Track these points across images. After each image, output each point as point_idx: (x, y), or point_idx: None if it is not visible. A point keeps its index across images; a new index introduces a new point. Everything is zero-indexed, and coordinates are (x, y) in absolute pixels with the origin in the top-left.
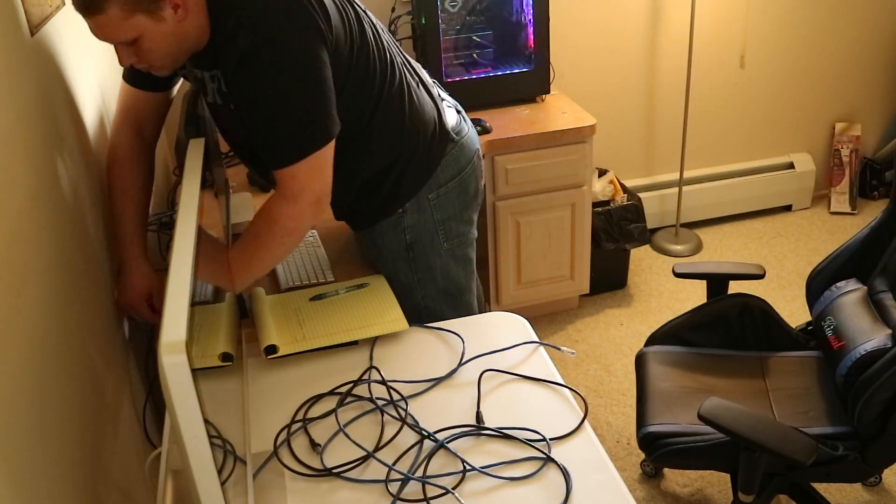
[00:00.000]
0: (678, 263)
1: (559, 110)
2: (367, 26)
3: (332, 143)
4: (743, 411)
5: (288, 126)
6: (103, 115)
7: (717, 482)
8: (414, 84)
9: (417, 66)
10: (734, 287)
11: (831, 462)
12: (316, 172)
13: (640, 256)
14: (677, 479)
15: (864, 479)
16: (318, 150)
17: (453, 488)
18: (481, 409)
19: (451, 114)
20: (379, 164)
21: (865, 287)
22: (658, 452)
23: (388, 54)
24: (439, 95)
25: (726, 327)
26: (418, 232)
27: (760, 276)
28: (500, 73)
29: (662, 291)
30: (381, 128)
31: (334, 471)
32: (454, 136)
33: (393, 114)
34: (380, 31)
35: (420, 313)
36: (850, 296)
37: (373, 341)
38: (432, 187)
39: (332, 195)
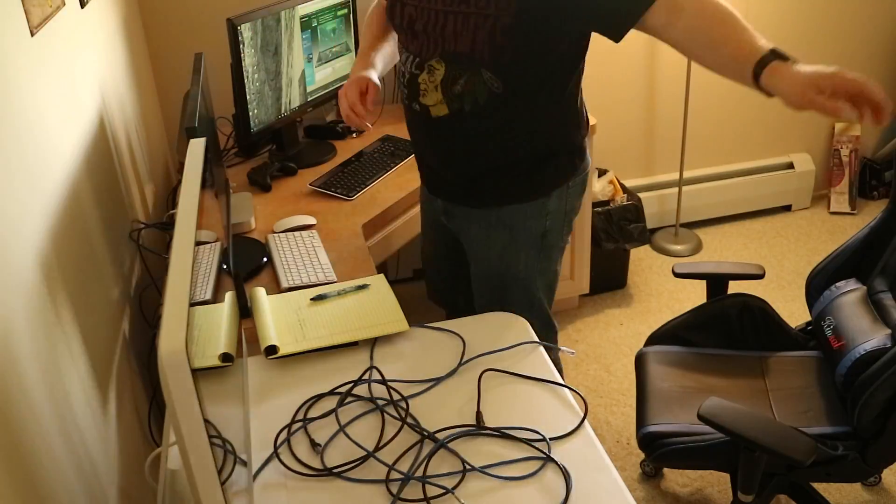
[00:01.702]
0: (678, 263)
1: None
2: None
3: None
4: (743, 411)
5: None
6: (103, 115)
7: (716, 482)
8: None
9: None
10: (734, 287)
11: (831, 462)
12: None
13: (640, 256)
14: (677, 479)
15: (864, 479)
16: None
17: (453, 488)
18: (481, 409)
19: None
20: (559, 136)
21: (865, 287)
22: (658, 452)
23: None
24: None
25: (726, 327)
26: (555, 219)
27: (760, 276)
28: None
29: (662, 291)
30: (571, 101)
31: (334, 471)
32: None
33: (577, 94)
34: None
35: (533, 305)
36: (849, 296)
37: (373, 341)
38: (574, 175)
39: (511, 147)
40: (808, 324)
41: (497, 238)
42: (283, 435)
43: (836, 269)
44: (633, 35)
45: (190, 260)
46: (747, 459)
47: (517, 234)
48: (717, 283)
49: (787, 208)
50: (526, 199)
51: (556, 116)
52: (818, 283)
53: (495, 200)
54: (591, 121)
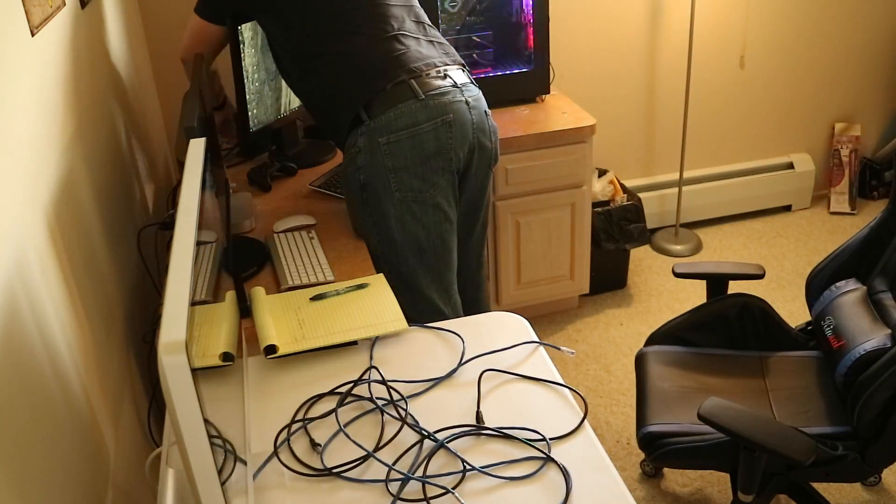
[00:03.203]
0: (678, 263)
1: (559, 110)
2: None
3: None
4: (742, 411)
5: None
6: (103, 115)
7: (717, 482)
8: (390, 41)
9: (424, 26)
10: (734, 287)
11: (831, 462)
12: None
13: (640, 256)
14: (677, 479)
15: (864, 479)
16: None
17: (453, 488)
18: (481, 408)
19: (440, 81)
20: (334, 88)
21: (865, 287)
22: (658, 452)
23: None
24: (439, 63)
25: (726, 327)
26: (370, 174)
27: (760, 276)
28: (499, 74)
29: (662, 291)
30: (342, 56)
31: (334, 471)
32: (421, 94)
33: (353, 47)
34: None
35: (378, 259)
36: (849, 296)
37: (372, 341)
38: (384, 132)
39: (313, 96)
40: (808, 324)
41: (343, 191)
42: (283, 435)
43: (836, 269)
44: (634, 35)
45: (190, 260)
46: (747, 459)
47: (346, 186)
48: (717, 283)
49: (787, 208)
50: (341, 147)
51: (323, 69)
52: (818, 283)
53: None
54: (591, 121)
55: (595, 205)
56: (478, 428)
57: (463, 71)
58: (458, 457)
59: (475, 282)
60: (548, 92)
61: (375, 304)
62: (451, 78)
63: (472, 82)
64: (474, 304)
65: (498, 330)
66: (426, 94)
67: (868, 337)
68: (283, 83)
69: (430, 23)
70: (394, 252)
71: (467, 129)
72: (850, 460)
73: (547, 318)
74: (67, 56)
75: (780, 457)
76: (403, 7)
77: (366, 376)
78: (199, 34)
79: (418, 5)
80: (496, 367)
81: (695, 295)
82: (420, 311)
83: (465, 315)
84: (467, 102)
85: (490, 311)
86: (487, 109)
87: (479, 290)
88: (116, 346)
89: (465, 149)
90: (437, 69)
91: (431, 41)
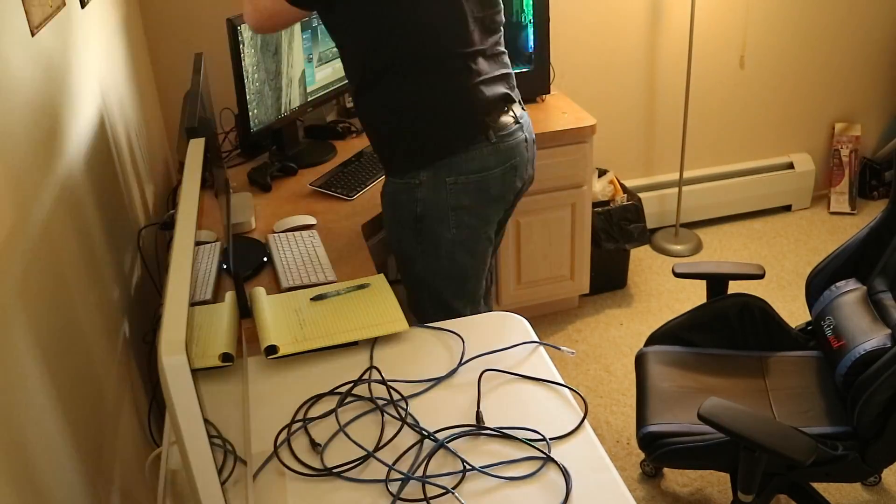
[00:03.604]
0: (678, 263)
1: (559, 110)
2: None
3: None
4: (743, 411)
5: None
6: (103, 115)
7: (717, 482)
8: (467, 71)
9: (503, 63)
10: (734, 287)
11: (831, 462)
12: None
13: (640, 256)
14: (677, 479)
15: (864, 479)
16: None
17: (453, 488)
18: (481, 408)
19: (507, 119)
20: (399, 118)
21: (865, 287)
22: (658, 452)
23: (446, 27)
24: (506, 98)
25: (726, 327)
26: (430, 208)
27: (760, 276)
28: None
29: (662, 291)
30: (414, 82)
31: (334, 471)
32: (493, 136)
33: (426, 78)
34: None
35: (416, 281)
36: (849, 296)
37: (373, 341)
38: (452, 172)
39: (374, 117)
40: (808, 324)
41: (387, 212)
42: (283, 435)
43: (835, 268)
44: (634, 35)
45: (190, 260)
46: (747, 459)
47: (395, 211)
48: (717, 283)
49: (787, 208)
50: (399, 175)
51: (400, 93)
52: (818, 283)
53: (386, 168)
54: (591, 121)
55: (595, 205)
56: (478, 428)
57: (517, 99)
58: (458, 457)
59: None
60: (548, 92)
61: (376, 305)
62: (513, 112)
63: (523, 108)
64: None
65: (498, 330)
66: (497, 137)
67: (868, 337)
68: (283, 83)
69: (503, 47)
70: (439, 279)
71: (526, 167)
72: (850, 460)
73: (547, 318)
74: (67, 56)
75: (780, 457)
76: (486, 33)
77: (366, 376)
78: (280, 13)
79: (500, 28)
80: (496, 367)
81: (695, 295)
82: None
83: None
84: (526, 140)
85: (491, 310)
86: (533, 134)
87: (486, 291)
88: (116, 346)
89: (521, 183)
90: (505, 104)
91: (502, 73)
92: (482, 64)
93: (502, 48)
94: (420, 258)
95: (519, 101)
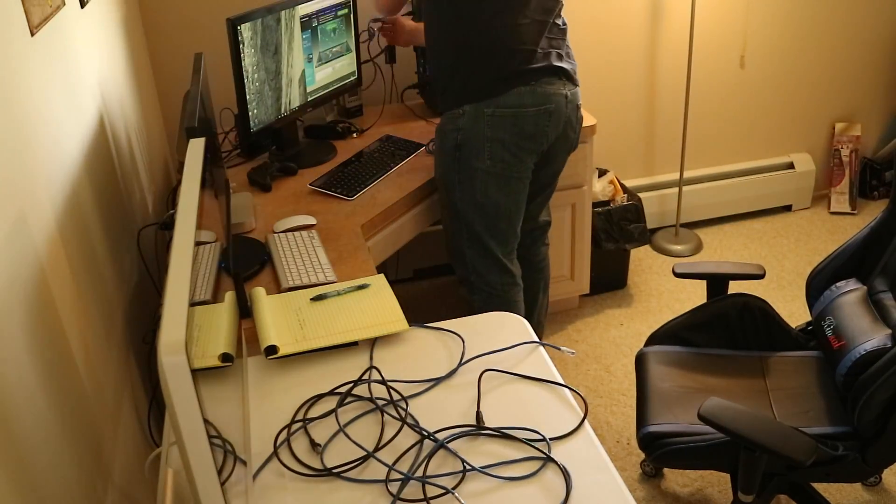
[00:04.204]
0: (678, 263)
1: None
2: None
3: None
4: (743, 411)
5: None
6: (103, 115)
7: (717, 482)
8: (524, 20)
9: (558, 19)
10: (734, 287)
11: (831, 462)
12: None
13: (640, 256)
14: (677, 479)
15: (864, 479)
16: None
17: (453, 488)
18: (481, 409)
19: (548, 69)
20: (460, 54)
21: (865, 287)
22: (658, 452)
23: None
24: (553, 53)
25: (726, 327)
26: (468, 137)
27: (760, 276)
28: None
29: (662, 291)
30: (478, 26)
31: (334, 471)
32: (531, 80)
33: (492, 22)
34: None
35: (454, 211)
36: (849, 296)
37: (373, 341)
38: (491, 105)
39: (433, 63)
40: (808, 324)
41: (436, 143)
42: (283, 435)
43: (836, 269)
44: (634, 35)
45: (190, 260)
46: (748, 459)
47: (440, 141)
48: (717, 283)
49: (788, 208)
50: (447, 107)
51: (469, 34)
52: (818, 283)
53: (439, 105)
54: (591, 121)
55: (595, 205)
56: (478, 428)
57: (571, 69)
58: (458, 457)
59: (531, 237)
60: None
61: (376, 305)
62: (561, 71)
63: (575, 78)
64: (531, 250)
65: (498, 330)
66: (537, 81)
67: (868, 337)
68: (283, 83)
69: (563, 21)
70: (472, 210)
71: (561, 120)
72: (850, 460)
73: (547, 318)
74: (67, 56)
75: (781, 457)
76: (547, 8)
77: (366, 376)
78: None
79: (557, 6)
80: (496, 368)
81: (695, 295)
82: (487, 265)
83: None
84: (566, 97)
85: (548, 260)
86: (580, 103)
87: (534, 243)
88: (116, 346)
89: (554, 136)
90: (552, 61)
91: (556, 37)
92: (535, 27)
93: (562, 23)
94: (458, 187)
95: (572, 69)
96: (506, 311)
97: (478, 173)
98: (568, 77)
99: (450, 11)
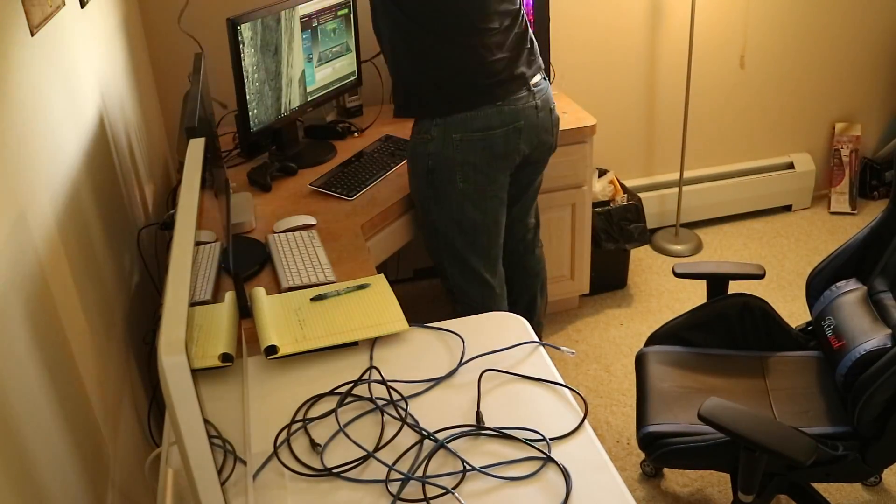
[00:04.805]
0: (678, 263)
1: (559, 110)
2: None
3: None
4: (743, 411)
5: None
6: (103, 115)
7: (717, 482)
8: (482, 42)
9: (527, 39)
10: (734, 287)
11: (831, 462)
12: None
13: (640, 256)
14: (677, 479)
15: (864, 479)
16: None
17: (453, 488)
18: (481, 409)
19: (515, 85)
20: (425, 75)
21: (865, 287)
22: (658, 452)
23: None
24: (521, 76)
25: (726, 327)
26: (439, 162)
27: (760, 276)
28: None
29: (662, 291)
30: (440, 48)
31: (334, 471)
32: (499, 101)
33: (451, 48)
34: None
35: (433, 230)
36: (849, 296)
37: (373, 341)
38: (458, 129)
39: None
40: (808, 324)
41: (409, 160)
42: (283, 435)
43: (836, 269)
44: (634, 35)
45: (190, 260)
46: (748, 459)
47: (412, 162)
48: (717, 283)
49: (788, 208)
50: (415, 132)
51: (431, 55)
52: (818, 283)
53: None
54: (591, 121)
55: (595, 205)
56: (478, 428)
57: (535, 68)
58: (458, 457)
59: (524, 243)
60: None
61: (376, 305)
62: (528, 84)
63: (543, 79)
64: (524, 257)
65: (498, 330)
66: (503, 100)
67: (868, 337)
68: (283, 83)
69: (521, 28)
70: (451, 228)
71: (533, 133)
72: (850, 460)
73: (547, 318)
74: (67, 56)
75: (781, 457)
76: (507, 14)
77: (366, 376)
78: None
79: (518, 14)
80: (496, 368)
81: (695, 295)
82: (467, 279)
83: (509, 273)
84: (536, 106)
85: (543, 261)
86: (553, 103)
87: (527, 249)
88: (116, 346)
89: (529, 149)
90: (521, 81)
91: (522, 54)
92: (499, 39)
93: (520, 30)
94: (434, 207)
95: (539, 72)
96: None
97: (452, 194)
98: (534, 83)
99: (405, 22)
